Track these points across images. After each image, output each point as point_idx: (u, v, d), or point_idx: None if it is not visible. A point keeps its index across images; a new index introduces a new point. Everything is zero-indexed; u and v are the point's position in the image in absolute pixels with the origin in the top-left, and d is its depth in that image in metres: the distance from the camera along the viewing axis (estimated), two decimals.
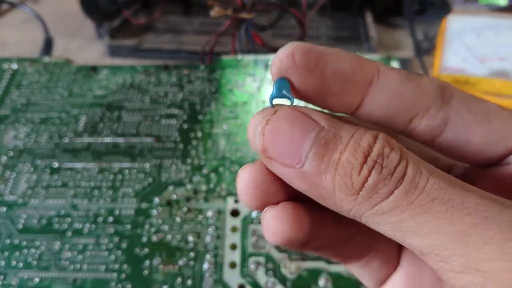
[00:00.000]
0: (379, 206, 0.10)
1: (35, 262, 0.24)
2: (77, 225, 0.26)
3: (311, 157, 0.11)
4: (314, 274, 0.24)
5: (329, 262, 0.24)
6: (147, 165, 0.29)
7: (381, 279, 0.15)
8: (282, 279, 0.24)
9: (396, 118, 0.12)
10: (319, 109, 0.13)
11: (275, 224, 0.12)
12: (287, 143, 0.11)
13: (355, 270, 0.15)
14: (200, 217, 0.26)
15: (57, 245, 0.25)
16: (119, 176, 0.28)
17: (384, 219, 0.10)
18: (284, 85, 0.12)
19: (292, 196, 0.12)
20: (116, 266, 0.24)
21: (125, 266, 0.24)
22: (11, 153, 0.30)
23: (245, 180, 0.12)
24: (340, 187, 0.11)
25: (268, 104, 0.12)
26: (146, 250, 0.25)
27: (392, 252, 0.14)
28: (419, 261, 0.12)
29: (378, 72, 0.12)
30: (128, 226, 0.26)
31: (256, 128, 0.11)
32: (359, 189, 0.10)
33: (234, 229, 0.26)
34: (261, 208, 0.13)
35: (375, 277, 0.15)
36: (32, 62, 0.36)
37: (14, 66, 0.36)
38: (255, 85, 0.33)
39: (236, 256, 0.24)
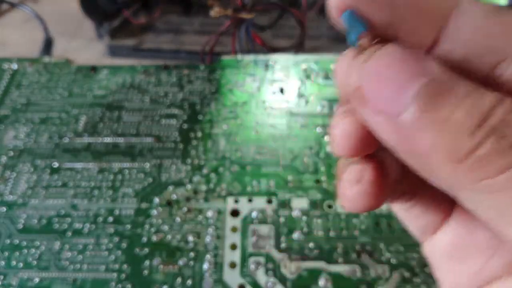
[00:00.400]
0: (485, 182, 0.09)
1: (35, 262, 0.24)
2: (77, 225, 0.26)
3: (413, 107, 0.09)
4: (314, 274, 0.24)
5: (329, 262, 0.24)
6: (147, 165, 0.29)
7: (427, 227, 0.13)
8: (282, 279, 0.24)
9: (478, 61, 0.10)
10: None
11: (357, 202, 0.11)
12: (388, 86, 0.09)
13: (399, 212, 0.14)
14: (200, 217, 0.26)
15: (57, 245, 0.25)
16: (119, 176, 0.28)
17: (486, 198, 0.09)
18: (355, 20, 0.10)
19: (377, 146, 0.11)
20: (116, 266, 0.24)
21: (125, 266, 0.24)
22: (11, 153, 0.30)
23: (340, 131, 0.11)
24: (441, 149, 0.09)
25: None
26: (146, 250, 0.25)
27: (443, 202, 0.13)
28: (474, 219, 0.11)
29: (458, 3, 0.10)
30: (128, 226, 0.26)
31: (352, 64, 0.10)
32: (465, 157, 0.09)
33: (234, 229, 0.26)
34: (353, 156, 0.12)
35: (420, 223, 0.14)
36: (32, 62, 0.36)
37: (14, 66, 0.36)
38: (255, 85, 0.33)
39: (236, 256, 0.24)
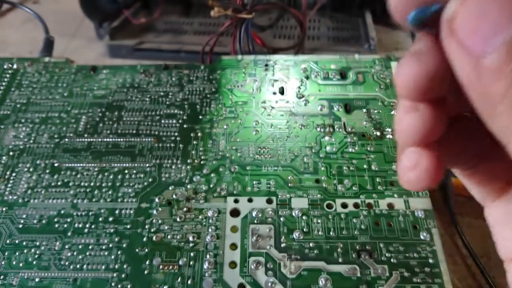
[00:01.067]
0: None
1: (35, 262, 0.24)
2: (77, 225, 0.26)
3: (499, 53, 0.09)
4: (314, 274, 0.24)
5: (329, 262, 0.24)
6: (147, 165, 0.29)
7: (488, 193, 0.14)
8: (282, 279, 0.24)
9: None
10: None
11: (414, 184, 0.12)
12: (483, 23, 0.09)
13: (462, 178, 0.14)
14: (200, 217, 0.26)
15: (57, 245, 0.25)
16: (119, 176, 0.28)
17: None
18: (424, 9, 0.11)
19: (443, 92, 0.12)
20: (116, 266, 0.24)
21: (125, 266, 0.24)
22: (11, 153, 0.30)
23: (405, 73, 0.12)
24: (510, 100, 0.09)
25: None
26: (146, 250, 0.25)
27: (505, 170, 0.13)
28: None
29: None
30: (128, 226, 0.26)
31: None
32: None
33: (234, 229, 0.26)
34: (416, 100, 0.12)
35: (481, 190, 0.14)
36: (32, 62, 0.36)
37: (14, 66, 0.36)
38: (255, 85, 0.33)
39: (236, 256, 0.25)
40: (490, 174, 0.14)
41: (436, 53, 0.11)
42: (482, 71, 0.09)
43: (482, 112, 0.10)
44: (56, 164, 0.29)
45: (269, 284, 0.23)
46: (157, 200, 0.27)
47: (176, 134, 0.31)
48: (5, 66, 0.36)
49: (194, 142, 0.30)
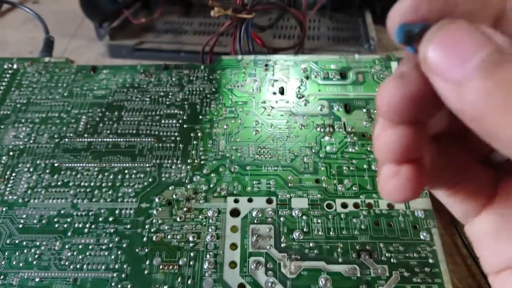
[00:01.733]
0: None
1: (35, 262, 0.24)
2: (77, 225, 0.26)
3: (477, 71, 0.09)
4: (314, 274, 0.24)
5: (329, 262, 0.24)
6: (147, 165, 0.29)
7: (468, 212, 0.14)
8: (282, 279, 0.24)
9: None
10: None
11: (395, 195, 0.12)
12: (455, 54, 0.10)
13: (442, 198, 0.15)
14: (200, 217, 0.26)
15: (57, 245, 0.25)
16: (119, 176, 0.28)
17: None
18: (410, 25, 0.11)
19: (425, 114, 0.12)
20: (116, 266, 0.24)
21: (125, 266, 0.24)
22: (11, 153, 0.30)
23: (385, 96, 0.12)
24: (504, 110, 0.09)
25: None
26: (146, 250, 0.25)
27: (486, 186, 0.14)
28: None
29: None
30: (128, 226, 0.26)
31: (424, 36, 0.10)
32: None
33: (234, 229, 0.26)
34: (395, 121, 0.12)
35: (462, 208, 0.14)
36: (32, 62, 0.36)
37: (14, 66, 0.36)
38: (255, 85, 0.33)
39: (236, 256, 0.25)
40: (473, 190, 0.14)
41: (419, 76, 0.11)
42: (467, 96, 0.10)
43: (480, 133, 0.10)
44: (56, 164, 0.29)
45: (269, 284, 0.23)
46: (157, 200, 0.27)
47: (176, 134, 0.31)
48: (5, 66, 0.36)
49: (194, 142, 0.30)
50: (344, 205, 0.27)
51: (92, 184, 0.28)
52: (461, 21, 0.10)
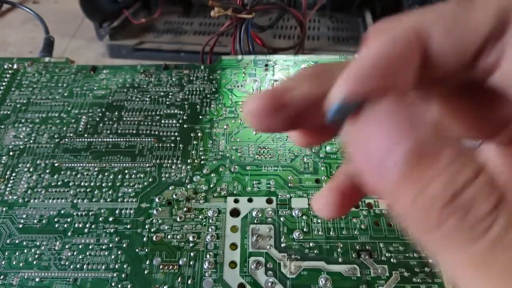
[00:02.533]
0: (447, 254, 0.09)
1: (35, 262, 0.24)
2: (77, 225, 0.26)
3: (399, 165, 0.09)
4: (314, 274, 0.24)
5: (329, 262, 0.24)
6: (147, 165, 0.29)
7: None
8: (282, 279, 0.24)
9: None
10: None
11: (324, 214, 0.13)
12: (376, 142, 0.09)
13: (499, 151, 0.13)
14: (200, 217, 0.26)
15: (57, 245, 0.25)
16: (119, 176, 0.28)
17: (447, 263, 0.09)
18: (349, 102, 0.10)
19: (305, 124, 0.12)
20: (116, 266, 0.24)
21: (125, 266, 0.24)
22: (11, 153, 0.30)
23: (253, 108, 0.11)
24: (416, 214, 0.09)
25: None
26: (146, 250, 0.25)
27: None
28: None
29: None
30: (128, 226, 0.26)
31: (345, 128, 0.10)
32: (435, 228, 0.09)
33: (234, 229, 0.26)
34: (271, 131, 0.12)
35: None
36: (32, 62, 0.36)
37: (14, 66, 0.36)
38: (255, 85, 0.33)
39: (236, 256, 0.25)
40: None
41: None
42: (387, 190, 0.09)
43: (402, 221, 0.10)
44: (56, 164, 0.29)
45: (269, 284, 0.23)
46: (157, 200, 0.27)
47: (176, 134, 0.31)
48: (5, 66, 0.36)
49: (194, 142, 0.30)
50: None
51: (92, 184, 0.28)
52: (385, 103, 0.09)
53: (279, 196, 0.27)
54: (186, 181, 0.28)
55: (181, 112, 0.32)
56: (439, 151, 0.09)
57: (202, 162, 0.29)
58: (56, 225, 0.26)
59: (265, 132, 0.13)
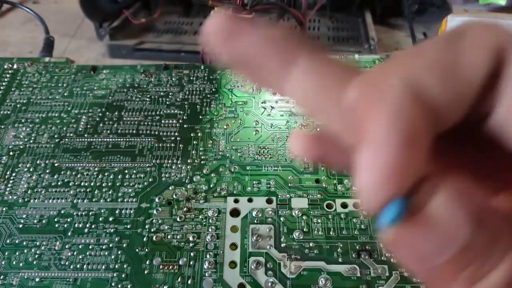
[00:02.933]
0: None
1: (35, 262, 0.24)
2: (77, 225, 0.26)
3: (451, 264, 0.09)
4: (314, 274, 0.24)
5: (329, 262, 0.24)
6: (147, 165, 0.29)
7: None
8: (282, 279, 0.24)
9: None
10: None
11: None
12: (433, 241, 0.09)
13: None
14: (200, 217, 0.26)
15: (57, 245, 0.25)
16: (119, 176, 0.28)
17: None
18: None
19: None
20: (116, 266, 0.24)
21: (125, 266, 0.24)
22: (11, 153, 0.30)
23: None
24: None
25: None
26: (146, 250, 0.25)
27: None
28: None
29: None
30: (128, 226, 0.26)
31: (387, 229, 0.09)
32: None
33: (234, 229, 0.26)
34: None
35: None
36: (32, 62, 0.36)
37: (14, 66, 0.36)
38: (255, 85, 0.33)
39: (236, 256, 0.25)
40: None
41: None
42: (433, 277, 0.09)
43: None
44: (56, 164, 0.29)
45: (269, 284, 0.23)
46: (157, 200, 0.27)
47: (176, 134, 0.31)
48: (5, 66, 0.36)
49: (194, 142, 0.30)
50: (344, 205, 0.27)
51: (92, 184, 0.28)
52: (446, 200, 0.08)
53: (279, 196, 0.27)
54: (186, 181, 0.28)
55: (181, 112, 0.32)
56: (489, 255, 0.08)
57: (202, 162, 0.29)
58: (56, 225, 0.26)
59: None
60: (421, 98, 0.09)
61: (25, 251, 0.25)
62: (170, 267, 0.24)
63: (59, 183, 0.28)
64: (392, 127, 0.08)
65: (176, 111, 0.32)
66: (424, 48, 0.09)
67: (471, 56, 0.09)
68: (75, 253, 0.25)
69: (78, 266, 0.24)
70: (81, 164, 0.29)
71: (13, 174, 0.29)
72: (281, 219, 0.26)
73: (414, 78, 0.09)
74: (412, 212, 0.09)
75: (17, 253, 0.25)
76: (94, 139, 0.30)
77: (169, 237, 0.25)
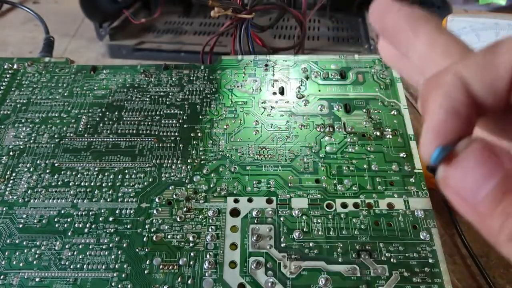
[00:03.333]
0: None
1: (35, 262, 0.24)
2: (77, 225, 0.26)
3: (488, 199, 0.11)
4: (314, 274, 0.24)
5: (329, 262, 0.24)
6: (147, 165, 0.29)
7: None
8: (282, 279, 0.24)
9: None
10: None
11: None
12: (469, 180, 0.12)
13: None
14: (200, 217, 0.26)
15: (57, 245, 0.25)
16: (119, 176, 0.28)
17: None
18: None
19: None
20: (116, 266, 0.24)
21: (125, 266, 0.24)
22: (11, 153, 0.30)
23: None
24: (507, 235, 0.11)
25: None
26: (146, 250, 0.25)
27: None
28: None
29: None
30: (128, 226, 0.26)
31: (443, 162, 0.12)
32: None
33: (234, 229, 0.26)
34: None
35: None
36: (32, 62, 0.36)
37: (14, 66, 0.36)
38: (255, 85, 0.34)
39: (236, 256, 0.25)
40: None
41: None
42: (478, 212, 0.12)
43: (491, 242, 0.12)
44: (56, 164, 0.29)
45: (269, 284, 0.23)
46: (157, 200, 0.27)
47: (176, 134, 0.31)
48: (5, 66, 0.36)
49: (194, 142, 0.30)
50: (344, 205, 0.27)
51: (92, 184, 0.28)
52: (475, 146, 0.12)
53: (279, 196, 0.27)
54: (186, 181, 0.28)
55: (181, 112, 0.32)
56: None
57: (202, 162, 0.29)
58: (56, 225, 0.26)
59: None
60: (465, 88, 0.13)
61: (25, 251, 0.25)
62: (170, 267, 0.24)
63: (59, 183, 0.28)
64: (439, 105, 0.13)
65: (176, 111, 0.32)
66: (473, 54, 0.14)
67: (504, 58, 0.12)
68: (75, 253, 0.25)
69: (78, 266, 0.24)
70: (81, 164, 0.29)
71: (13, 174, 0.29)
72: (281, 219, 0.26)
73: (462, 76, 0.13)
74: (453, 156, 0.12)
75: (17, 253, 0.25)
76: (94, 139, 0.30)
77: (169, 237, 0.25)
